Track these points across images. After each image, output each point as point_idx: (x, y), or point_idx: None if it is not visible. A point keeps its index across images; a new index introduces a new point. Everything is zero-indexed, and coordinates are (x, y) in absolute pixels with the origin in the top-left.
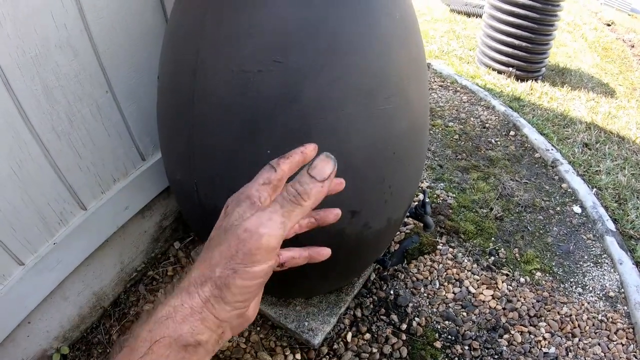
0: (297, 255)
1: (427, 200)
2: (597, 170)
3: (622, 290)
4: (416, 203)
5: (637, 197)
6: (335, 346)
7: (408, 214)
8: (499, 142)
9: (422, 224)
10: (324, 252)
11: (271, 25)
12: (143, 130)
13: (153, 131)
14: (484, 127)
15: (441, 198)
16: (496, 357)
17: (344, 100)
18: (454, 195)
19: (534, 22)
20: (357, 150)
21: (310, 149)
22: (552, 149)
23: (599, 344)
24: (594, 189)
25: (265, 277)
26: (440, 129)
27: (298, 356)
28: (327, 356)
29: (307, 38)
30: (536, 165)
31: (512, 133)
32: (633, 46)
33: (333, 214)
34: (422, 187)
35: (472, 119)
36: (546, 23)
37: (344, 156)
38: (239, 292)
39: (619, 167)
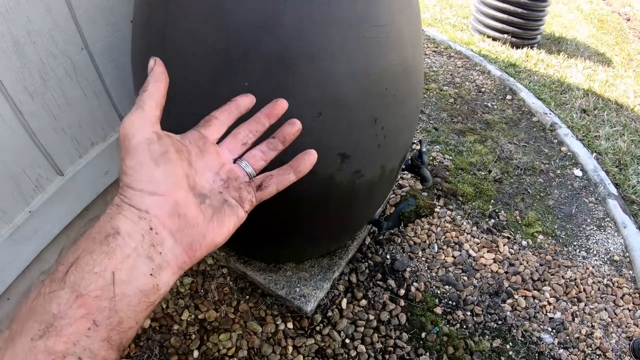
0: (275, 173)
1: (425, 150)
2: (596, 136)
3: (627, 254)
4: (412, 154)
5: (638, 163)
6: (330, 313)
7: (404, 166)
8: (495, 106)
9: (419, 179)
10: (309, 157)
11: None
12: (123, 91)
13: (132, 96)
14: (480, 91)
15: (437, 160)
16: (500, 322)
17: (329, 24)
18: (451, 157)
19: None
20: (345, 82)
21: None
22: (550, 113)
23: (605, 309)
24: (594, 154)
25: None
26: (434, 92)
27: (290, 325)
28: (321, 324)
29: None
30: (534, 129)
31: (508, 97)
32: (629, 19)
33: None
34: (418, 138)
35: (467, 83)
36: None
37: (330, 89)
38: (131, 166)
39: (618, 134)
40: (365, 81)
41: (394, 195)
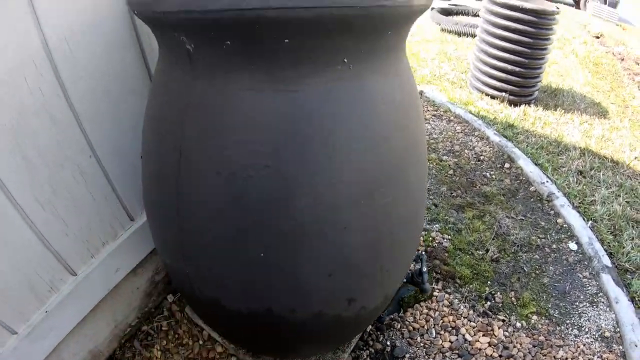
0: None
1: (425, 269)
2: (592, 201)
3: (618, 329)
4: (412, 269)
5: (632, 227)
6: None
7: (404, 279)
8: (493, 176)
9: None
10: None
11: (258, 123)
12: (130, 190)
13: (140, 191)
14: (479, 160)
15: (437, 241)
16: None
17: (339, 202)
18: (450, 237)
19: (527, 47)
20: (354, 247)
21: None
22: (547, 182)
23: None
24: (589, 222)
25: None
26: (434, 163)
27: None
28: None
29: (298, 137)
30: (532, 200)
31: (507, 165)
32: (623, 59)
33: None
34: (419, 253)
35: (466, 151)
36: (539, 47)
37: (340, 254)
38: None
39: (614, 195)
40: (373, 241)
41: None
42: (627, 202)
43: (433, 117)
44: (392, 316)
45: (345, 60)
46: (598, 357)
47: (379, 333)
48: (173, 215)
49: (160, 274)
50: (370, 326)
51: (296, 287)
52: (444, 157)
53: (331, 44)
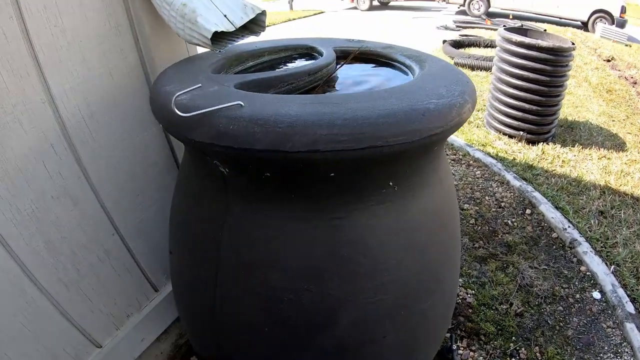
0: None
1: (455, 347)
2: (614, 243)
3: None
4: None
5: None
6: None
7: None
8: (515, 224)
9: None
10: None
11: (300, 250)
12: (153, 263)
13: (164, 261)
14: (500, 207)
15: (460, 297)
16: None
17: (381, 320)
18: (474, 291)
19: (544, 85)
20: (392, 353)
21: None
22: (569, 227)
23: None
24: (612, 266)
25: None
26: None
27: None
28: None
29: (340, 260)
30: (554, 247)
31: (528, 211)
32: (635, 83)
33: None
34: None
35: (487, 197)
36: (556, 85)
37: None
38: None
39: (635, 235)
40: (411, 345)
41: None
42: None
43: (452, 161)
44: None
45: (391, 183)
46: None
47: None
48: (207, 318)
49: (184, 338)
50: None
51: None
52: (465, 206)
53: (380, 172)
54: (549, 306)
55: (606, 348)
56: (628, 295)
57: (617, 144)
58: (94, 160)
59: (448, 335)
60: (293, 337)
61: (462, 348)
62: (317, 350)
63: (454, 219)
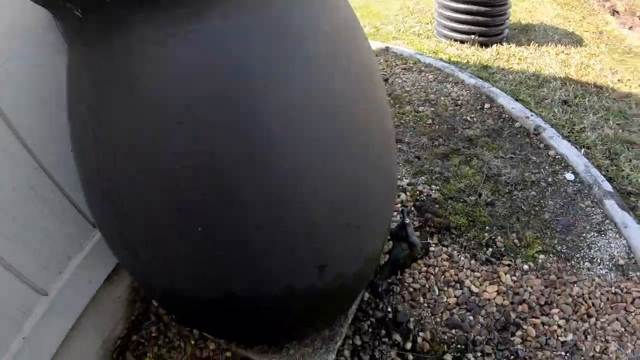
0: None
1: (407, 221)
2: (581, 128)
3: (632, 255)
4: (395, 224)
5: (628, 149)
6: None
7: (389, 237)
8: (475, 119)
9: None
10: None
11: (168, 78)
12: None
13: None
14: (457, 105)
15: (425, 194)
16: (512, 357)
17: (284, 148)
18: (438, 187)
19: None
20: (311, 204)
21: None
22: (531, 115)
23: (617, 319)
24: (583, 149)
25: None
26: (411, 116)
27: None
28: None
29: (217, 84)
30: (518, 136)
31: (487, 106)
32: None
33: None
34: (401, 204)
35: (442, 98)
36: None
37: (297, 215)
38: None
39: (603, 120)
40: (337, 197)
41: (387, 242)
42: (618, 124)
43: (403, 70)
44: (389, 280)
45: None
46: (616, 288)
47: (378, 300)
48: (104, 202)
49: None
50: (367, 294)
51: (250, 261)
52: (420, 108)
53: None
54: (521, 192)
55: (588, 227)
56: (604, 176)
57: (574, 41)
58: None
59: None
60: (181, 187)
61: (433, 245)
62: (213, 201)
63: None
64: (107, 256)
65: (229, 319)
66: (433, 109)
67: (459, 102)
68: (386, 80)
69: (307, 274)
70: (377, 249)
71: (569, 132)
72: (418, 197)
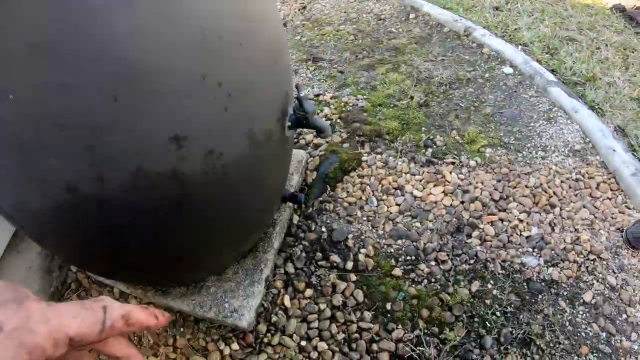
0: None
1: (303, 94)
2: (516, 28)
3: (588, 139)
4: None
5: (568, 44)
6: (274, 318)
7: (289, 122)
8: (400, 29)
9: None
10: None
11: None
12: None
13: None
14: (380, 19)
15: (350, 104)
16: (472, 261)
17: None
18: (365, 96)
19: None
20: (141, 41)
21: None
22: (460, 19)
23: (584, 207)
24: (520, 46)
25: None
26: (331, 35)
27: (235, 346)
28: (268, 334)
29: None
30: (448, 40)
31: (412, 16)
32: None
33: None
34: (325, 118)
35: (364, 15)
36: None
37: (122, 60)
38: None
39: (539, 21)
40: (169, 32)
41: (311, 158)
42: (555, 23)
43: None
44: (320, 199)
45: None
46: (577, 173)
47: (309, 222)
48: None
49: None
50: (296, 216)
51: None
52: (342, 27)
53: None
54: (457, 91)
55: (536, 117)
56: (545, 68)
57: None
58: None
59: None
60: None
61: (365, 154)
62: None
63: None
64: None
65: (97, 242)
66: (355, 26)
67: (382, 16)
68: (304, 7)
69: (159, 152)
70: (272, 129)
71: (503, 32)
72: (343, 109)
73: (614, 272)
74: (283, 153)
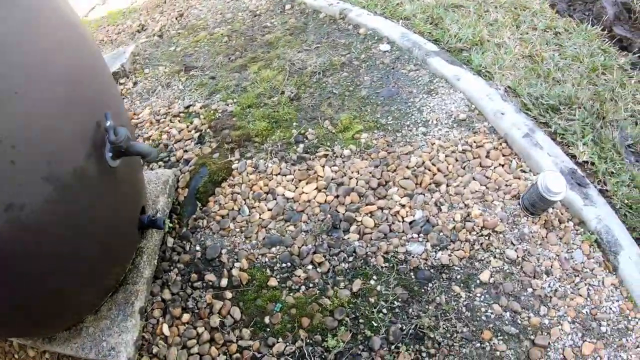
0: None
1: (109, 123)
2: (398, 3)
3: (473, 106)
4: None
5: (454, 11)
6: (155, 349)
7: (110, 152)
8: (275, 22)
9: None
10: None
11: None
12: None
13: None
14: (255, 16)
15: (220, 111)
16: (351, 259)
17: None
18: (235, 99)
19: None
20: None
21: None
22: (337, 2)
23: (473, 179)
24: (400, 21)
25: None
26: (205, 40)
27: None
28: None
29: None
30: (324, 25)
31: (287, 7)
32: None
33: None
34: (195, 130)
35: (239, 14)
36: None
37: None
38: None
39: None
40: None
41: (182, 174)
42: None
43: (198, 2)
44: (194, 216)
45: None
46: (463, 144)
47: (184, 242)
48: None
49: None
50: (170, 239)
51: None
52: (216, 30)
53: None
54: (331, 78)
55: (415, 91)
56: (428, 39)
57: None
58: None
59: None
60: None
61: (235, 161)
62: None
63: None
64: None
65: None
66: (230, 26)
67: (258, 12)
68: (181, 15)
69: None
70: (87, 167)
71: (383, 10)
72: (213, 117)
73: (513, 244)
74: (117, 184)
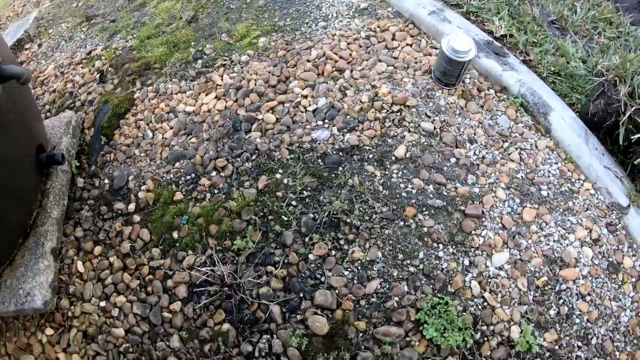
0: None
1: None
2: None
3: None
4: None
5: None
6: (72, 288)
7: None
8: None
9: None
10: None
11: None
12: None
13: None
14: None
15: (120, 48)
16: (254, 156)
17: None
18: (134, 35)
19: None
20: None
21: None
22: None
23: (379, 60)
24: None
25: None
26: None
27: (49, 331)
28: (72, 306)
29: None
30: None
31: None
32: None
33: None
34: (97, 72)
35: None
36: None
37: None
38: None
39: None
40: None
41: (86, 115)
42: None
43: None
44: (102, 152)
45: None
46: (366, 31)
47: (94, 179)
48: None
49: None
50: (80, 180)
51: None
52: None
53: None
54: None
55: None
56: None
57: None
58: None
59: None
60: None
61: (137, 90)
62: None
63: None
64: None
65: None
66: None
67: None
68: None
69: None
70: None
71: None
72: (113, 55)
73: (429, 117)
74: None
